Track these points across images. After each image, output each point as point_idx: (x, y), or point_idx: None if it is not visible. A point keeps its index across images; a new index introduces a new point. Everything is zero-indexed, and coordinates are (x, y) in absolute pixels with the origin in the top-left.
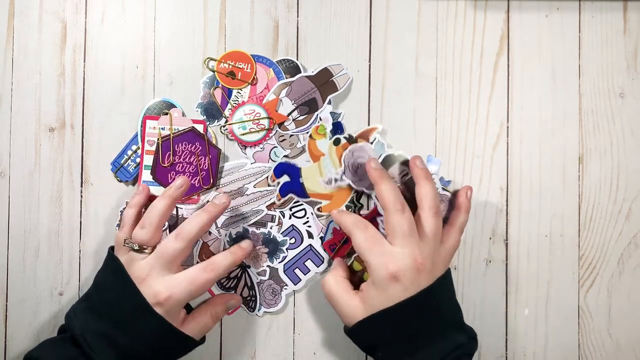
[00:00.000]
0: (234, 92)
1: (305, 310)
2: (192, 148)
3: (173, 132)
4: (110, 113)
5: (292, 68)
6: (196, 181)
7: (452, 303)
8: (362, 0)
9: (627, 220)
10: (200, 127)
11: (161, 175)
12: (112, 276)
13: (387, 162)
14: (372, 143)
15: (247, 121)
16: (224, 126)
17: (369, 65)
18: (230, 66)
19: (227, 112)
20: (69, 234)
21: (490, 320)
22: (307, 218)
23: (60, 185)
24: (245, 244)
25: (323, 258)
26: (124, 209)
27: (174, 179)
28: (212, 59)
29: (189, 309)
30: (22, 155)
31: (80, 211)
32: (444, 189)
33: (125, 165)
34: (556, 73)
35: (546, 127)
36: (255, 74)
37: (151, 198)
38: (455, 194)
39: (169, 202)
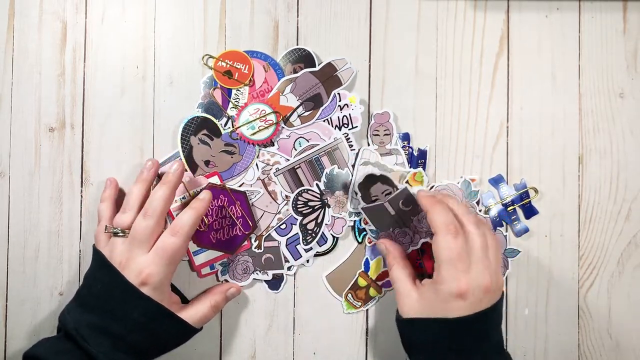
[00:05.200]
0: (234, 91)
1: (305, 310)
2: (219, 202)
3: (193, 197)
4: (110, 113)
5: (304, 57)
6: (237, 230)
7: (499, 327)
8: (362, 0)
9: (627, 220)
10: (215, 180)
11: (205, 240)
12: (97, 268)
13: (368, 181)
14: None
15: (254, 120)
16: (233, 131)
17: (369, 65)
18: (228, 65)
19: (229, 112)
20: (69, 234)
21: None
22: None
23: (60, 185)
24: (204, 194)
25: (327, 239)
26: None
27: (217, 238)
28: (210, 56)
29: (186, 302)
30: (22, 155)
31: (80, 211)
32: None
33: None
34: (556, 73)
35: (546, 127)
36: (252, 76)
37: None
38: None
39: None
